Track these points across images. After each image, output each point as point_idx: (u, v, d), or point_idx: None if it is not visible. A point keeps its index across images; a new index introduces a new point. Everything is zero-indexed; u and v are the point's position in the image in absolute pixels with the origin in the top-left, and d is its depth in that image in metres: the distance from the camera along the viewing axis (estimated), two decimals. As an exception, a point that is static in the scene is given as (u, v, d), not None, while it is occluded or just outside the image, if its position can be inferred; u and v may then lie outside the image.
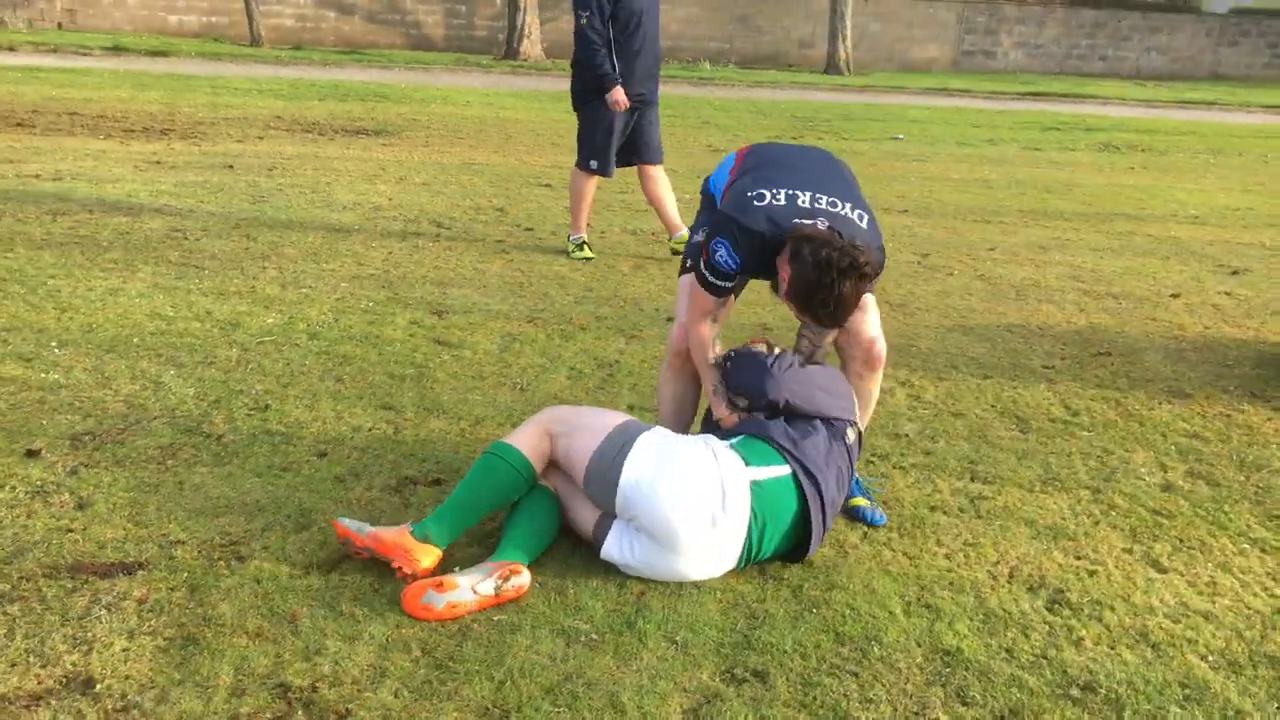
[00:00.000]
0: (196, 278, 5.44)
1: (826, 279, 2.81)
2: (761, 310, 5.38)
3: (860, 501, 3.25)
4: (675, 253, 6.51)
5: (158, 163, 8.82)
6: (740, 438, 2.96)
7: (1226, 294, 6.33)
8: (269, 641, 2.45)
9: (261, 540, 2.89)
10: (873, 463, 3.65)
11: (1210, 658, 2.60)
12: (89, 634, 2.44)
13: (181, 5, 25.70)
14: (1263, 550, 3.17)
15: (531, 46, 24.38)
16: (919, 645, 2.59)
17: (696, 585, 2.79)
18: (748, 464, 2.85)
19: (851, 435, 3.06)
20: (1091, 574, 2.97)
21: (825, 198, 3.03)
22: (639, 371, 4.43)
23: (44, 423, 3.57)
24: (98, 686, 2.26)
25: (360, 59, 22.50)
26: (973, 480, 3.56)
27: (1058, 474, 3.64)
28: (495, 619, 2.59)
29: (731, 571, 2.86)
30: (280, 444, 3.52)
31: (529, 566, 2.75)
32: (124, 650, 2.39)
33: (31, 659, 2.34)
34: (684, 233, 6.39)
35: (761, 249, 2.98)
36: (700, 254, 3.09)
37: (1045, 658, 2.57)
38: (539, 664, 2.43)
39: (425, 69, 21.15)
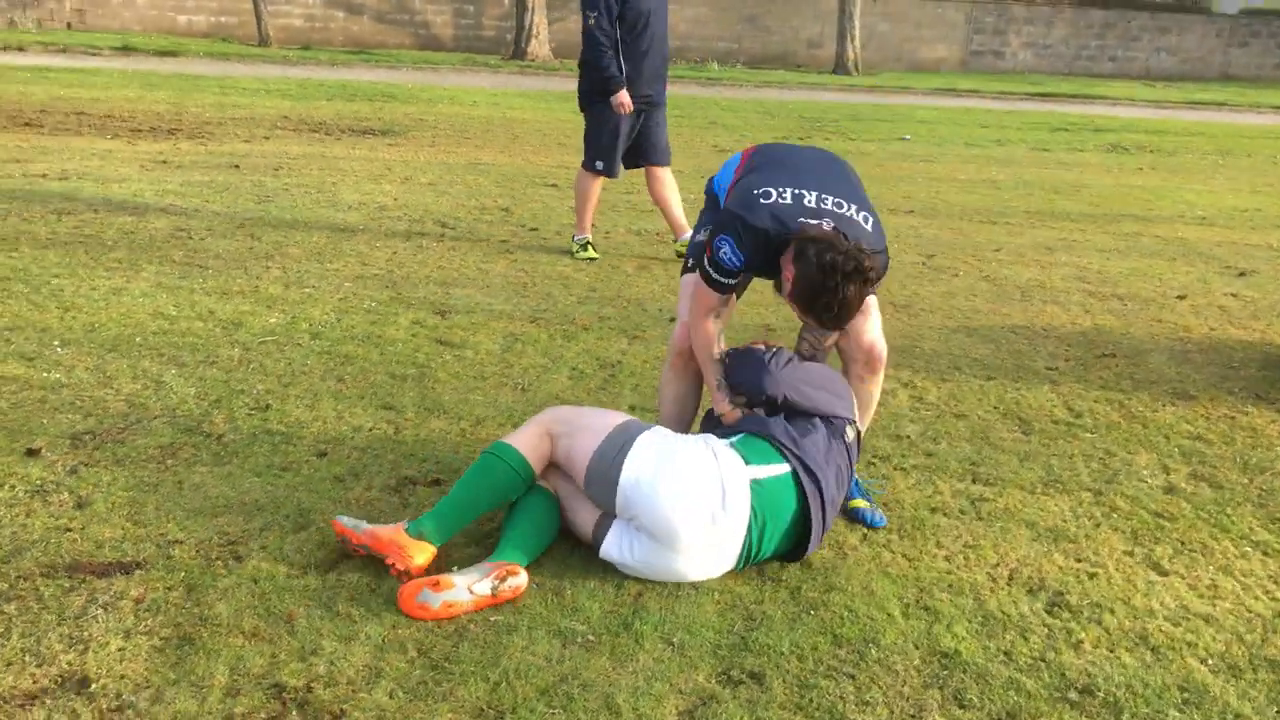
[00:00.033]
0: (200, 277, 5.45)
1: (831, 282, 2.80)
2: (765, 311, 5.37)
3: (860, 503, 3.24)
4: (680, 255, 6.50)
5: (164, 162, 8.84)
6: (740, 436, 2.96)
7: (1233, 295, 6.30)
8: (265, 641, 2.45)
9: (259, 540, 2.89)
10: (874, 464, 3.64)
11: (1210, 661, 2.59)
12: (85, 633, 2.44)
13: (191, 5, 25.77)
14: (1265, 553, 3.15)
15: (539, 46, 24.40)
16: (917, 647, 2.58)
17: (694, 587, 2.79)
18: (747, 462, 2.84)
19: (850, 433, 3.05)
20: (1092, 576, 2.96)
21: (831, 198, 3.03)
22: (641, 372, 4.43)
23: (45, 422, 3.58)
24: (93, 686, 2.26)
25: (368, 59, 22.54)
26: (974, 482, 3.55)
27: (1059, 476, 3.62)
28: (492, 620, 2.59)
29: (730, 573, 2.85)
30: (280, 444, 3.52)
31: (527, 567, 2.75)
32: (120, 650, 2.39)
33: (27, 658, 2.34)
34: (690, 235, 6.38)
35: (766, 247, 2.97)
36: (704, 251, 3.09)
37: (1044, 660, 2.55)
38: (535, 665, 2.42)
39: (433, 69, 21.18)
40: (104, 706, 2.20)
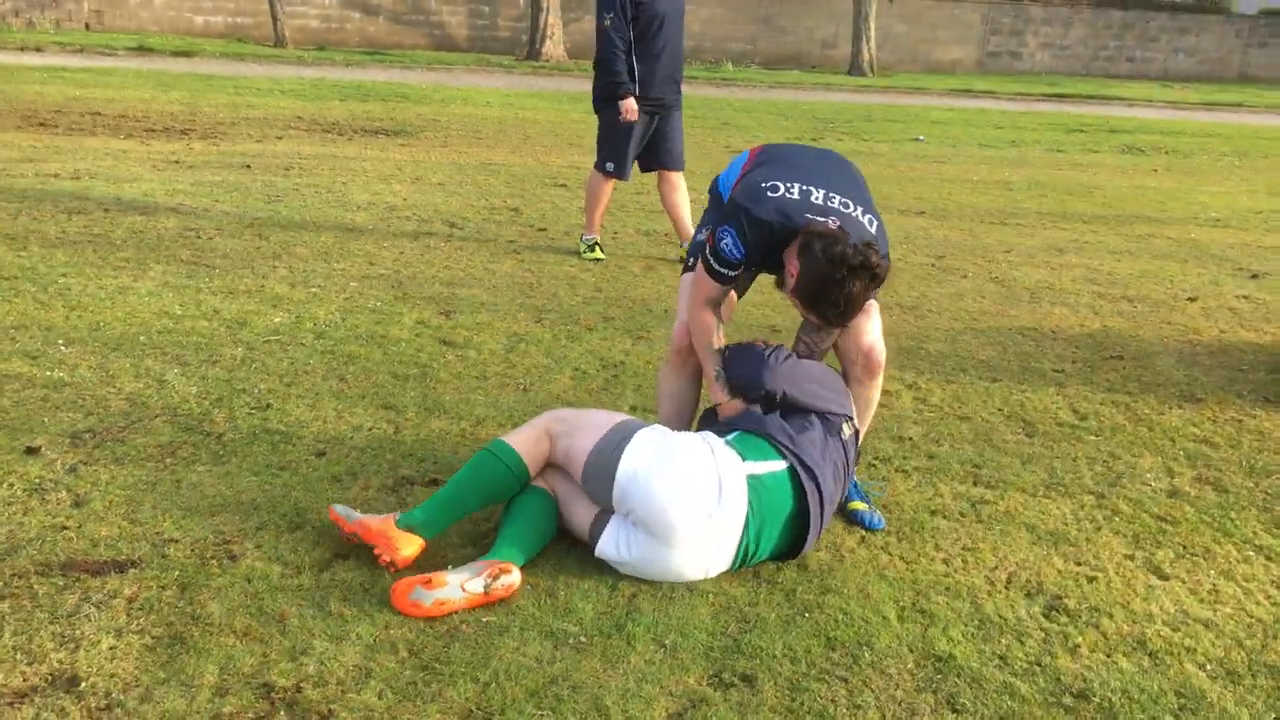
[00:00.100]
0: (207, 277, 5.46)
1: (837, 275, 2.80)
2: (770, 311, 5.35)
3: (859, 505, 3.22)
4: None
5: (176, 162, 8.88)
6: (737, 433, 2.95)
7: (1245, 298, 6.25)
8: (256, 641, 2.45)
9: (255, 539, 2.89)
10: (875, 466, 3.62)
11: (1208, 666, 2.56)
12: (77, 632, 2.44)
13: (208, 6, 25.90)
14: (1268, 558, 3.12)
15: (554, 47, 24.42)
16: (911, 651, 2.56)
17: (689, 589, 2.77)
18: (744, 459, 2.83)
19: (847, 430, 3.03)
20: (1091, 580, 2.93)
21: (839, 197, 3.03)
22: (644, 372, 4.42)
23: (45, 420, 3.59)
24: (82, 684, 2.26)
25: (383, 59, 22.60)
26: (975, 484, 3.52)
27: (1062, 479, 3.59)
28: (484, 620, 2.58)
29: (725, 574, 2.83)
30: (279, 443, 3.52)
31: (522, 567, 2.74)
32: (111, 648, 2.39)
33: (18, 656, 2.34)
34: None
35: (769, 240, 2.97)
36: (706, 244, 3.09)
37: (1039, 665, 2.53)
38: (525, 666, 2.41)
39: (447, 69, 21.22)
40: (93, 705, 2.20)
